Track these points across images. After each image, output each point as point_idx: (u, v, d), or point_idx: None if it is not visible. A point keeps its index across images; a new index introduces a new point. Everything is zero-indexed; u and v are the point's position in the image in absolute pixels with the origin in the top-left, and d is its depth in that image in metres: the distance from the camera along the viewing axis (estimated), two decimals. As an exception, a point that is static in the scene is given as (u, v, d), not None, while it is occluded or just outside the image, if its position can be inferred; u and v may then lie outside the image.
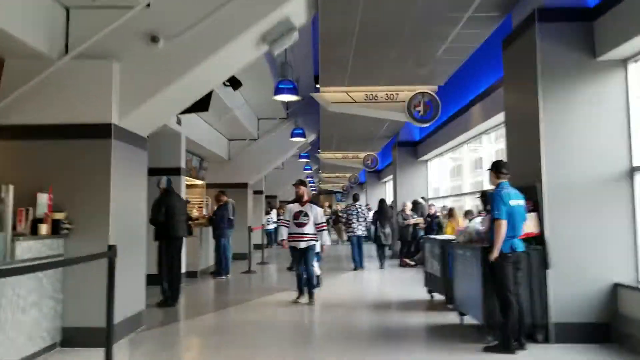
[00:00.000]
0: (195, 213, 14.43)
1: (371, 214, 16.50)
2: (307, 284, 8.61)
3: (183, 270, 10.69)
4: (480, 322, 6.25)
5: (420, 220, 14.07)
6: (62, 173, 5.98)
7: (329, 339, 6.63)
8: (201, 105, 7.57)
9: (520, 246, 5.72)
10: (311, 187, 37.58)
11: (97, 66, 6.00)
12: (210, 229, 12.59)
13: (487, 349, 5.68)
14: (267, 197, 22.59)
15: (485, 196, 7.98)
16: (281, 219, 8.92)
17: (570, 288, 5.95)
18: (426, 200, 15.73)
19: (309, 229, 8.52)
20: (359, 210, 13.73)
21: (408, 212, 14.11)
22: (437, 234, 12.54)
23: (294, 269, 9.59)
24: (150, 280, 8.49)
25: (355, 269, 13.30)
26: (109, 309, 4.59)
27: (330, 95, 10.83)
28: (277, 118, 16.59)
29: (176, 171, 10.95)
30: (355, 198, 14.23)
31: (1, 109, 5.75)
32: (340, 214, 21.35)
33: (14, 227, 5.33)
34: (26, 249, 5.27)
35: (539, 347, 5.84)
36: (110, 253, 4.55)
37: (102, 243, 5.48)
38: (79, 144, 5.99)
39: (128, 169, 6.52)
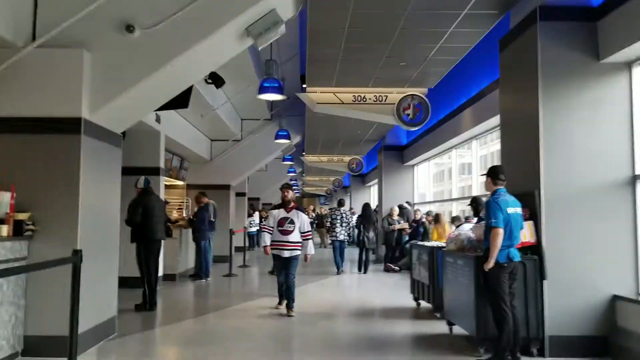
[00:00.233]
0: (175, 215, 14.03)
1: (355, 217, 16.29)
2: (286, 295, 8.04)
3: (160, 273, 10.37)
4: (471, 333, 5.99)
5: (405, 225, 13.94)
6: (26, 170, 5.55)
7: (311, 349, 6.30)
8: (180, 101, 7.17)
9: (517, 256, 5.41)
10: (294, 190, 37.16)
11: (66, 56, 5.56)
12: (190, 231, 12.17)
13: (480, 363, 5.40)
14: (249, 199, 22.30)
15: (476, 202, 7.72)
16: (264, 225, 8.28)
17: (566, 300, 5.70)
18: (411, 205, 15.57)
19: (294, 237, 7.93)
20: (343, 215, 13.72)
21: (395, 216, 13.90)
22: (422, 239, 12.35)
23: (275, 273, 9.07)
24: (125, 282, 8.20)
25: (338, 274, 13.23)
26: (73, 317, 4.20)
27: (317, 96, 10.50)
28: (261, 119, 16.25)
29: (155, 171, 10.53)
30: (341, 203, 14.31)
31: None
32: (325, 219, 21.13)
33: (-28, 228, 4.91)
34: (-15, 252, 4.84)
35: (533, 361, 5.60)
36: (75, 258, 4.14)
37: (69, 246, 5.02)
38: (45, 139, 5.55)
39: (100, 168, 6.11)
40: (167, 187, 13.97)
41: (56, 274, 4.90)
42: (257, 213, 21.77)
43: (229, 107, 14.06)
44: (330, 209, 22.53)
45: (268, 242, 8.03)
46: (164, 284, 10.61)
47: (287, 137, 15.36)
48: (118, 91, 5.77)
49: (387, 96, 10.34)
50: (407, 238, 13.84)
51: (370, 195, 26.48)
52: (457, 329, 6.55)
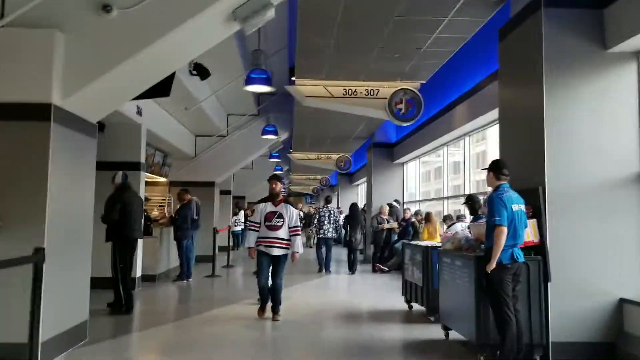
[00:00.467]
0: (155, 212, 13.57)
1: (342, 216, 16.00)
2: (272, 297, 7.40)
3: (139, 274, 9.93)
4: (469, 339, 5.64)
5: (394, 225, 13.66)
6: (-12, 160, 5.08)
7: (298, 356, 5.92)
8: (161, 89, 6.70)
9: (521, 256, 5.05)
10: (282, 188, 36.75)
11: (36, 36, 5.08)
12: (172, 229, 11.72)
13: (481, 372, 5.03)
14: (235, 197, 21.89)
15: (472, 200, 7.37)
16: (250, 222, 7.56)
17: (571, 303, 5.37)
18: (400, 203, 15.28)
19: (284, 233, 7.21)
20: (332, 212, 13.60)
21: (384, 215, 13.56)
22: (412, 238, 12.04)
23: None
24: (99, 284, 7.75)
25: (320, 271, 13.17)
26: (33, 323, 3.78)
27: (307, 89, 10.12)
28: (247, 114, 15.83)
29: (135, 166, 10.06)
30: (328, 201, 14.19)
31: None
32: (312, 217, 20.82)
33: None
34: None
35: (537, 369, 5.24)
36: (36, 257, 3.70)
37: (36, 243, 4.55)
38: (11, 127, 5.08)
39: (72, 159, 5.64)
40: (148, 183, 13.51)
41: (18, 275, 4.40)
42: (242, 212, 21.39)
43: (214, 101, 13.64)
44: (316, 207, 22.25)
45: (253, 244, 7.32)
46: (143, 285, 10.14)
47: (275, 132, 14.97)
48: (93, 76, 5.30)
49: (378, 90, 10.00)
50: (396, 237, 13.59)
51: (358, 194, 26.17)
52: (454, 334, 6.18)
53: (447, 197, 12.65)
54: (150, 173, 13.18)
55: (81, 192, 6.00)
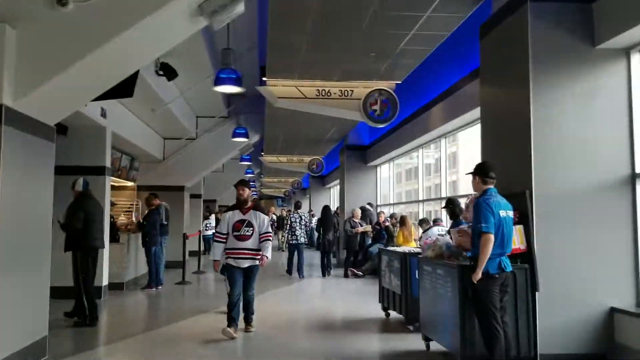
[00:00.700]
0: (122, 219, 13.06)
1: (315, 220, 15.75)
2: (244, 309, 6.95)
3: (105, 282, 9.46)
4: (453, 351, 5.35)
5: (368, 228, 13.44)
6: None
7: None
8: (124, 89, 6.30)
9: (509, 265, 4.79)
10: (252, 191, 36.32)
11: (-16, 31, 4.68)
12: (140, 235, 11.26)
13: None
14: (205, 201, 21.42)
15: (452, 204, 7.11)
16: (216, 234, 7.07)
17: (560, 314, 5.16)
18: (373, 206, 15.05)
19: (253, 243, 6.71)
20: (302, 217, 13.43)
21: (357, 219, 13.30)
22: (387, 242, 11.80)
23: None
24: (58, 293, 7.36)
25: (288, 273, 13.15)
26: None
27: (278, 89, 9.75)
28: (217, 116, 15.44)
29: (100, 170, 9.60)
30: (297, 206, 14.11)
31: None
32: (285, 221, 20.56)
33: None
34: None
35: (525, 383, 4.98)
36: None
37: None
38: (-45, 129, 4.66)
39: (27, 164, 5.21)
40: (115, 188, 13.05)
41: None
42: (213, 216, 20.93)
43: (182, 103, 13.22)
44: (287, 211, 21.97)
45: (218, 257, 6.81)
46: (109, 294, 9.67)
47: (246, 135, 14.60)
48: (48, 75, 4.91)
49: (353, 91, 9.68)
50: (370, 241, 13.38)
51: (331, 196, 25.93)
52: (435, 345, 5.90)
53: (423, 200, 12.44)
54: (117, 177, 12.72)
55: (38, 199, 5.58)
